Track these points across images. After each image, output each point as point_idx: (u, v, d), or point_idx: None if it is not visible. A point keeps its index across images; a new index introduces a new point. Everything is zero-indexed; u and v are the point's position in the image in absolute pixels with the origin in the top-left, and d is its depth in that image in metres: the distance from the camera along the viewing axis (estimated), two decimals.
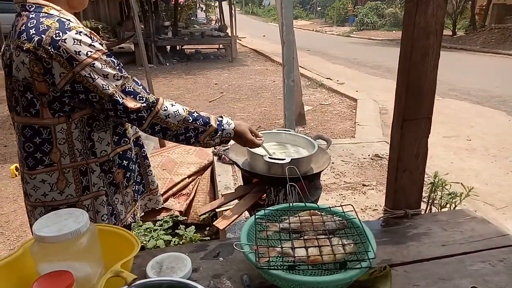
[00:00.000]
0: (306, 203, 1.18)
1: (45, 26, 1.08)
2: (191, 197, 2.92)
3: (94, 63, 1.10)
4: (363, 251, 0.95)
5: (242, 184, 1.95)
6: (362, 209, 2.66)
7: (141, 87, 1.22)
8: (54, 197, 1.24)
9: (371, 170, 3.39)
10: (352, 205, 1.10)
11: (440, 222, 1.36)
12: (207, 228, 2.83)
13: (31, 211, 1.29)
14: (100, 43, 1.15)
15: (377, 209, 2.62)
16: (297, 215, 1.10)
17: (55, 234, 0.86)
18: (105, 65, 1.13)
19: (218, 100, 7.51)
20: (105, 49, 1.16)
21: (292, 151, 1.81)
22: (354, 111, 6.22)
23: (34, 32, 1.08)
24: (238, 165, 1.72)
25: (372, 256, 0.92)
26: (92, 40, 1.12)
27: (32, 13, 1.12)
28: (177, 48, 13.73)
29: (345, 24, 26.41)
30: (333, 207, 1.14)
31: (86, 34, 1.12)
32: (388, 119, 5.81)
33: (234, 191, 1.95)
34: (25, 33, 1.09)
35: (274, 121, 5.86)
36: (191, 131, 1.28)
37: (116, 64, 1.16)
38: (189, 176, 3.06)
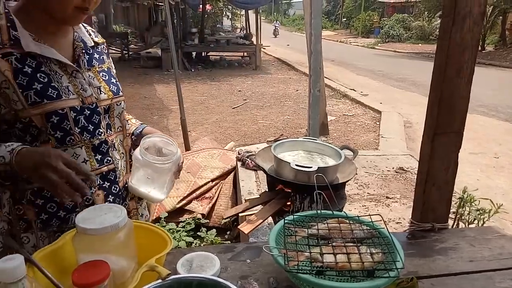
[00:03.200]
0: (334, 211, 1.19)
1: None
2: (213, 200, 2.97)
3: None
4: (391, 261, 0.96)
5: (267, 190, 1.97)
6: (385, 222, 2.63)
7: None
8: None
9: (395, 183, 3.36)
10: (380, 215, 1.11)
11: (468, 237, 1.34)
12: (228, 232, 2.86)
13: None
14: None
15: (401, 222, 2.59)
16: (325, 222, 1.12)
17: (96, 227, 0.90)
18: None
19: (241, 107, 7.59)
20: None
21: (319, 160, 1.82)
22: (378, 123, 6.17)
23: None
24: (264, 171, 1.75)
25: (401, 266, 0.93)
26: None
27: None
28: (203, 54, 13.97)
29: (370, 36, 26.28)
30: (361, 216, 1.15)
31: None
32: (412, 132, 5.74)
33: (258, 196, 1.98)
34: None
35: (296, 130, 5.88)
36: None
37: None
38: (212, 180, 3.11)
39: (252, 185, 2.82)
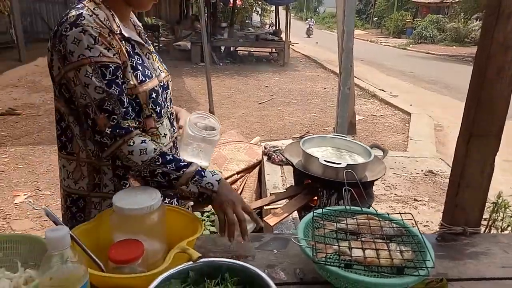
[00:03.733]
0: (363, 208, 1.19)
1: (66, 17, 1.04)
2: (238, 192, 3.00)
3: (80, 68, 1.01)
4: (421, 260, 0.95)
5: (293, 185, 1.97)
6: (415, 221, 2.59)
7: (123, 110, 1.05)
8: (70, 185, 1.21)
9: (423, 185, 3.29)
10: (411, 214, 1.09)
11: (501, 244, 1.31)
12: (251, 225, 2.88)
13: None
14: (106, 48, 1.03)
15: (428, 226, 2.54)
16: (354, 217, 1.12)
17: (132, 207, 0.94)
18: (91, 74, 1.01)
19: (267, 103, 7.59)
20: (106, 58, 1.03)
21: (347, 157, 1.81)
22: (407, 125, 6.04)
23: (58, 21, 1.07)
24: (292, 165, 1.76)
25: (431, 265, 0.92)
26: (95, 42, 1.01)
27: (75, 3, 1.10)
28: (231, 49, 14.03)
29: (402, 36, 25.67)
30: (391, 214, 1.14)
31: (90, 35, 1.01)
32: (443, 136, 5.58)
33: (285, 190, 1.99)
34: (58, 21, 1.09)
35: (323, 128, 5.84)
36: (160, 176, 1.06)
37: (107, 78, 1.03)
38: (238, 173, 3.14)
39: (278, 179, 2.83)
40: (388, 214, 1.14)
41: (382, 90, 8.77)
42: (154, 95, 1.16)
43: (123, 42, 1.10)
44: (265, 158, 3.27)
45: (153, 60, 1.25)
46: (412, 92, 8.85)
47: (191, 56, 12.12)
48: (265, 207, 2.10)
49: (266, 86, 9.22)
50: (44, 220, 3.24)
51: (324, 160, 1.60)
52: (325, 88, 9.18)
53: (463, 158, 1.32)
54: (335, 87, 8.76)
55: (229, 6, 14.80)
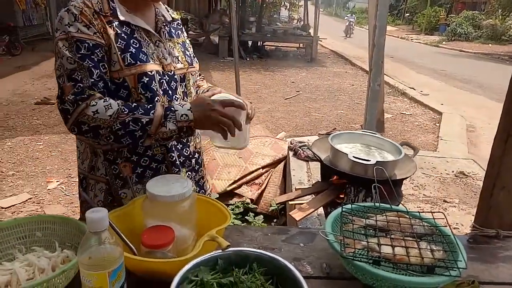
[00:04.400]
0: (392, 206, 1.17)
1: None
2: (262, 187, 3.01)
3: (58, 42, 1.08)
4: (452, 260, 0.93)
5: (320, 180, 1.97)
6: (448, 221, 2.53)
7: (91, 81, 1.07)
8: (79, 165, 1.29)
9: (454, 187, 3.20)
10: (443, 213, 1.07)
11: None
12: (275, 220, 2.89)
13: None
14: (85, 26, 1.08)
15: (458, 228, 2.47)
16: (384, 214, 1.10)
17: (164, 194, 0.96)
18: (65, 48, 1.07)
19: (294, 98, 7.56)
20: (84, 34, 1.08)
21: (376, 154, 1.78)
22: (437, 124, 5.87)
23: None
24: (320, 160, 1.75)
25: (464, 266, 0.89)
26: (75, 20, 1.08)
27: None
28: (258, 43, 14.01)
29: (434, 33, 24.83)
30: (422, 212, 1.12)
31: (72, 13, 1.08)
32: (475, 137, 5.39)
33: (311, 186, 1.98)
34: None
35: (350, 125, 5.76)
36: (132, 124, 1.06)
37: (81, 52, 1.07)
38: (263, 167, 3.15)
39: (303, 175, 2.82)
40: (419, 212, 1.12)
41: (412, 88, 8.55)
42: (146, 79, 1.15)
43: (115, 24, 1.13)
44: (290, 153, 3.26)
45: (166, 49, 1.23)
46: (443, 91, 8.58)
47: (219, 50, 12.20)
48: (289, 202, 2.10)
49: (293, 82, 9.17)
50: (75, 206, 3.36)
51: (353, 156, 1.58)
52: (353, 85, 9.03)
53: (500, 158, 1.27)
54: (363, 84, 8.62)
55: (258, 0, 14.75)
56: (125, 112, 1.06)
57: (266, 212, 2.92)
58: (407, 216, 1.10)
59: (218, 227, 0.98)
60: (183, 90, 1.29)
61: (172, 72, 1.24)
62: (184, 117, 1.09)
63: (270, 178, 3.14)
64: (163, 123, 1.07)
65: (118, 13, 1.14)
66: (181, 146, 1.30)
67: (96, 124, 1.06)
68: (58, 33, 1.09)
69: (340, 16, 44.39)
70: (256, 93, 7.97)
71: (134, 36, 1.16)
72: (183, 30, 1.40)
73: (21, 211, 3.29)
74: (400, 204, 1.75)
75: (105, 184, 1.25)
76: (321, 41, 15.30)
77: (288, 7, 25.12)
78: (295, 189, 2.37)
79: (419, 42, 21.40)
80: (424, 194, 3.04)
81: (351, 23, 22.13)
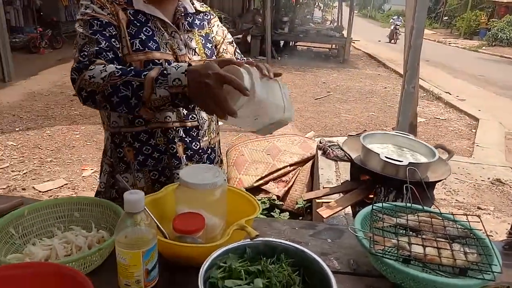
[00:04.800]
0: (424, 207, 1.15)
1: None
2: (289, 184, 3.01)
3: (75, 24, 1.16)
4: (486, 263, 0.90)
5: (349, 180, 1.94)
6: (483, 225, 2.44)
7: (96, 49, 1.08)
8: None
9: (489, 194, 3.08)
10: (479, 216, 1.04)
11: None
12: (300, 218, 2.89)
13: None
14: (100, 7, 1.14)
15: (492, 236, 2.38)
16: (415, 214, 1.08)
17: (197, 182, 0.99)
18: (81, 26, 1.13)
19: (324, 99, 7.49)
20: (98, 14, 1.13)
21: (409, 156, 1.74)
22: (473, 130, 5.66)
23: None
24: (351, 159, 1.73)
25: (498, 270, 0.87)
26: (91, 2, 1.15)
27: None
28: (290, 43, 13.97)
29: (474, 38, 23.86)
30: (455, 214, 1.09)
31: None
32: None
33: (340, 184, 1.97)
34: None
35: (381, 128, 5.66)
36: (123, 88, 0.97)
37: (94, 28, 1.11)
38: (290, 165, 3.15)
39: (332, 174, 2.80)
40: (452, 214, 1.09)
41: (448, 93, 8.28)
42: (152, 67, 1.08)
43: (130, 11, 1.17)
44: (319, 152, 3.24)
45: (182, 40, 1.24)
46: (481, 97, 8.26)
47: (251, 49, 12.25)
48: (317, 200, 2.10)
49: (324, 82, 9.09)
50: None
51: (385, 157, 1.55)
52: (385, 88, 8.85)
53: None
54: (397, 87, 8.42)
55: (292, 0, 14.71)
56: (117, 75, 0.99)
57: (292, 210, 2.92)
58: (440, 218, 1.07)
59: (247, 217, 0.99)
60: None
61: (186, 63, 1.20)
62: (176, 82, 0.94)
63: (297, 176, 3.14)
64: (153, 89, 0.95)
65: (133, 3, 1.18)
66: (190, 139, 1.28)
67: (91, 89, 1.01)
68: (77, 16, 1.17)
69: (374, 18, 43.50)
70: None
71: (148, 25, 1.19)
72: (212, 22, 1.39)
73: (57, 196, 3.45)
74: (433, 206, 1.70)
75: (109, 166, 1.31)
76: (354, 42, 15.07)
77: (322, 8, 24.93)
78: (323, 187, 2.35)
79: (457, 47, 20.65)
80: (456, 200, 2.94)
81: (397, 26, 19.65)
